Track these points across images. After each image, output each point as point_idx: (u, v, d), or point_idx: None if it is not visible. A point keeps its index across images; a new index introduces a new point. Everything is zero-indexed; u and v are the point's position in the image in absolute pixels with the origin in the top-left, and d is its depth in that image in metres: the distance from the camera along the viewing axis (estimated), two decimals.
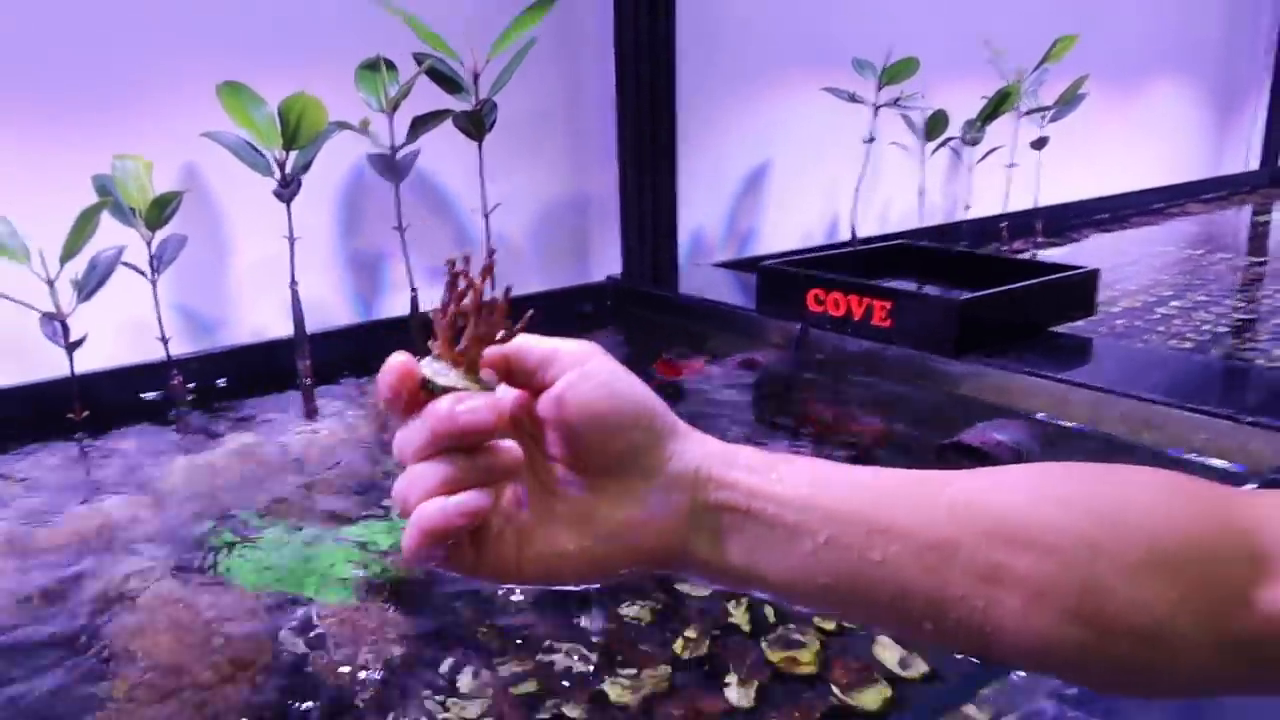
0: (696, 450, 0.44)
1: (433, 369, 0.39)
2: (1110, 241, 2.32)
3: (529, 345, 0.42)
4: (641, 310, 1.58)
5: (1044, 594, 0.44)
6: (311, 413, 1.24)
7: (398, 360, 0.41)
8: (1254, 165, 3.08)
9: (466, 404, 0.39)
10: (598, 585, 0.44)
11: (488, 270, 0.40)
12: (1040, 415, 1.11)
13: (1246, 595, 0.44)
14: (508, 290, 0.40)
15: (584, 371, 0.42)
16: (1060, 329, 1.27)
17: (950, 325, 1.12)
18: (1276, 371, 1.29)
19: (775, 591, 0.46)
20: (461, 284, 0.40)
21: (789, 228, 1.89)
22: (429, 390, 0.39)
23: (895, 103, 1.73)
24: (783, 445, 1.11)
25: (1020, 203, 2.15)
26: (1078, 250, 2.19)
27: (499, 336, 0.40)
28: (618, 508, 0.42)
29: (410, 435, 0.40)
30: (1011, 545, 0.45)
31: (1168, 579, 0.45)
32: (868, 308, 1.17)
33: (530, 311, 0.41)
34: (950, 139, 1.90)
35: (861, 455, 1.11)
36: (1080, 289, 1.25)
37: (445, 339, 0.40)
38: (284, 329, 1.30)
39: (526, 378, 0.42)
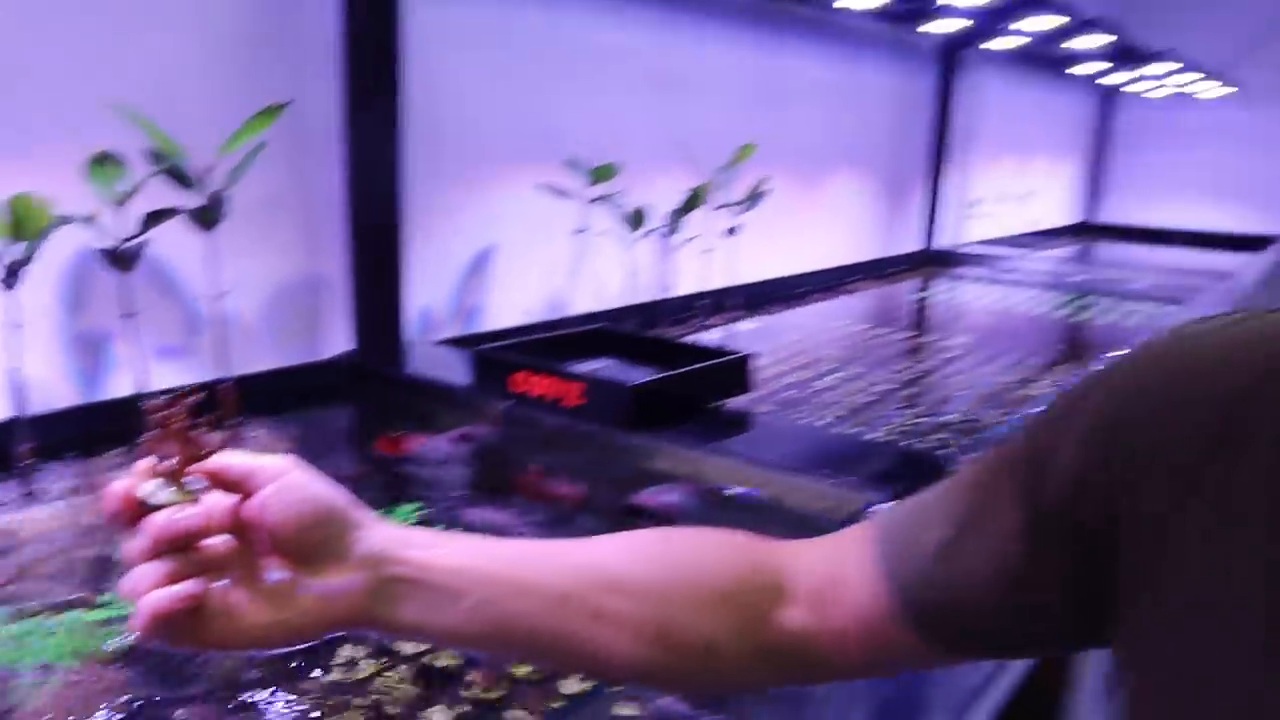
0: (377, 536, 0.61)
1: (148, 490, 0.53)
2: (795, 316, 2.69)
3: (232, 463, 0.57)
4: (371, 386, 1.70)
5: (637, 630, 0.64)
6: (32, 495, 1.27)
7: (118, 487, 0.55)
8: (918, 246, 3.63)
9: (177, 516, 0.53)
10: (301, 646, 0.59)
11: (192, 409, 0.53)
12: (707, 480, 1.35)
13: (770, 616, 0.67)
14: (229, 386, 0.54)
15: (283, 483, 0.57)
16: (730, 402, 1.52)
17: (627, 405, 1.33)
18: (888, 440, 1.61)
19: (441, 639, 0.64)
20: (177, 413, 0.54)
21: (512, 306, 2.08)
22: (147, 507, 0.53)
23: (603, 199, 1.97)
24: (490, 511, 1.28)
25: (720, 281, 2.46)
26: (766, 325, 2.53)
27: (202, 454, 0.55)
28: (312, 587, 0.58)
29: (135, 544, 0.54)
30: (614, 594, 0.65)
31: (720, 611, 0.66)
32: (563, 389, 1.37)
33: (224, 436, 0.55)
34: (655, 228, 2.17)
35: (562, 518, 1.29)
36: (738, 370, 1.51)
37: (157, 462, 0.53)
38: (4, 411, 1.32)
39: (234, 486, 0.56)
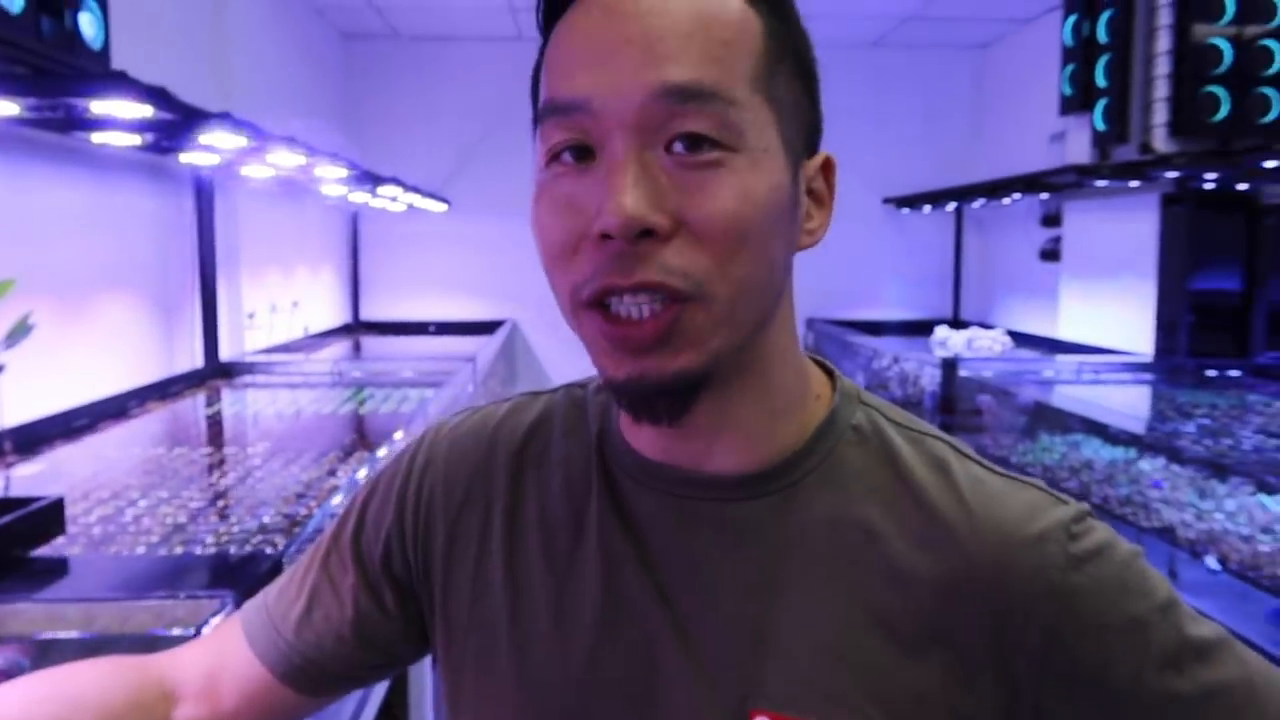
0: None
1: None
2: (85, 450, 2.58)
3: None
4: None
5: None
6: None
7: None
8: (200, 363, 3.69)
9: None
10: None
11: None
12: (36, 634, 1.33)
13: (171, 717, 0.81)
14: None
15: None
16: (41, 552, 1.49)
17: None
18: (216, 551, 1.73)
19: None
20: None
21: None
22: None
23: None
24: None
25: None
26: (54, 464, 2.40)
27: None
28: None
29: None
30: None
31: None
32: None
33: None
34: None
35: None
36: (50, 515, 1.50)
37: None
38: None
39: None
